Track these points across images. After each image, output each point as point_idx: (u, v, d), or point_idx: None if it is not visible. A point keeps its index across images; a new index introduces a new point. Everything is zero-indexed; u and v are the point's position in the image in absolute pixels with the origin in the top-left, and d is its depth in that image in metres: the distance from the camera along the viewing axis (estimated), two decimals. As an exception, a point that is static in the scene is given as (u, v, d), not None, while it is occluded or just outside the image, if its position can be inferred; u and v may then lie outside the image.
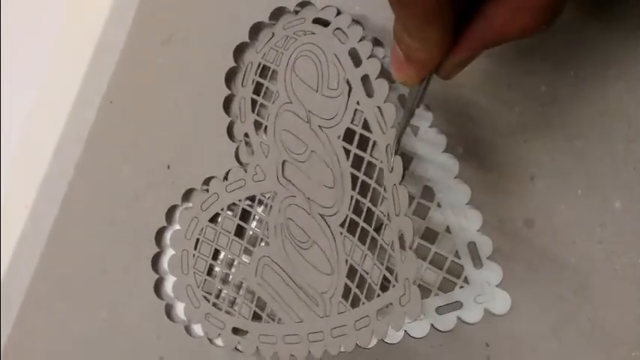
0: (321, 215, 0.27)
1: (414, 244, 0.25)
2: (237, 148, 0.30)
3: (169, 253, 0.31)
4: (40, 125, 0.33)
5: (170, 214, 0.31)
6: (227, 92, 0.30)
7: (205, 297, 0.30)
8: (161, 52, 0.31)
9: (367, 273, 0.25)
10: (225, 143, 0.30)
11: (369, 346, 0.27)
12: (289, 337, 0.28)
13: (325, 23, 0.27)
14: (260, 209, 0.29)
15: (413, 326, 0.27)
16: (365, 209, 0.26)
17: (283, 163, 0.28)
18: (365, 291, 0.26)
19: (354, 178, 0.26)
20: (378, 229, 0.25)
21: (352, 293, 0.26)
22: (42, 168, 0.32)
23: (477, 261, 0.27)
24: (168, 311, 0.31)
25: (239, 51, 0.30)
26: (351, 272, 0.26)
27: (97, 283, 0.32)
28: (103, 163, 0.32)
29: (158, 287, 0.31)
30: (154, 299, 0.31)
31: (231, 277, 0.30)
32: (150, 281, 0.31)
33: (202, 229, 0.30)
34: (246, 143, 0.30)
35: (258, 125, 0.29)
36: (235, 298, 0.30)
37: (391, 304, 0.24)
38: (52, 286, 0.32)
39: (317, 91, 0.27)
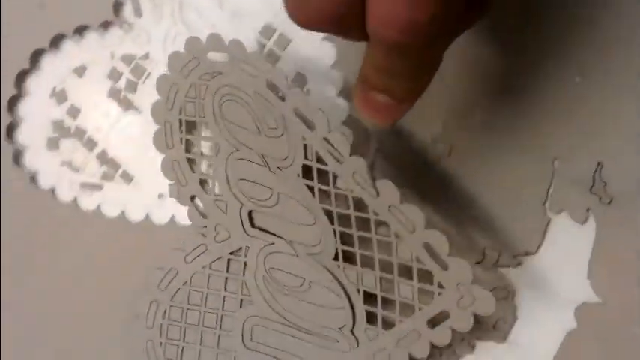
0: (310, 254, 0.26)
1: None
2: (189, 211, 0.27)
3: (28, 99, 0.30)
4: None
5: (35, 58, 0.29)
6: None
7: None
8: None
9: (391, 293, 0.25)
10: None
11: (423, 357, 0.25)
12: None
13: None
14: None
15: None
16: (356, 238, 0.25)
17: (250, 213, 0.26)
18: (397, 310, 0.24)
19: (328, 212, 0.25)
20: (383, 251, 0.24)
21: (380, 317, 0.25)
22: None
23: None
24: (16, 157, 0.30)
25: None
26: (369, 298, 0.25)
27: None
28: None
29: (10, 131, 0.30)
30: (3, 143, 0.30)
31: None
32: (3, 124, 0.30)
33: (165, 312, 0.27)
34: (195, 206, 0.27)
35: (203, 183, 0.27)
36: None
37: (445, 310, 0.24)
38: None
39: (260, 133, 0.25)
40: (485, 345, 0.26)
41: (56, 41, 0.29)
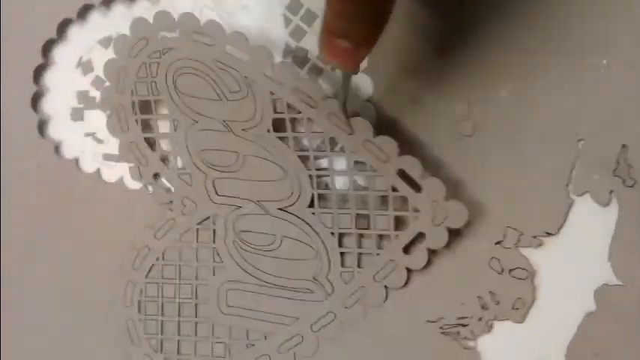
0: (282, 209, 0.26)
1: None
2: (152, 193, 0.28)
3: (54, 69, 0.30)
4: None
5: (62, 28, 0.30)
6: None
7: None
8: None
9: (367, 229, 0.26)
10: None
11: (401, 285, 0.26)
12: (285, 345, 0.27)
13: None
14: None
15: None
16: (333, 179, 0.26)
17: (213, 181, 0.27)
18: (374, 244, 0.26)
19: (304, 159, 0.26)
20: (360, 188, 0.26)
21: (356, 255, 0.26)
22: None
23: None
24: (41, 126, 0.30)
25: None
26: (344, 240, 0.26)
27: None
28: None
29: (35, 100, 0.30)
30: (28, 112, 0.30)
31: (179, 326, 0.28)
32: (28, 93, 0.30)
33: (142, 291, 0.28)
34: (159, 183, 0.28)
35: (164, 160, 0.28)
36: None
37: (421, 233, 0.25)
38: None
39: (221, 99, 0.26)
40: (503, 325, 0.26)
41: (83, 12, 0.29)
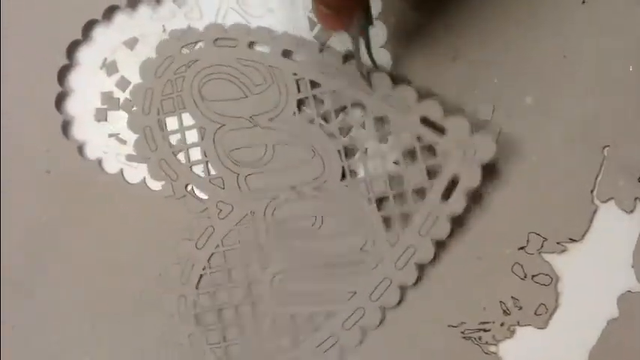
0: (315, 188, 0.27)
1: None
2: (186, 205, 0.28)
3: (79, 69, 0.30)
4: None
5: (87, 29, 0.30)
6: None
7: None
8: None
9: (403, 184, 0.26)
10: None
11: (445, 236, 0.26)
12: (349, 320, 0.27)
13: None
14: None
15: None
16: (361, 145, 0.26)
17: (245, 178, 0.27)
18: (410, 200, 0.26)
19: (330, 134, 0.27)
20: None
21: (398, 216, 0.26)
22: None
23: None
24: (65, 127, 0.30)
25: None
26: (381, 204, 0.26)
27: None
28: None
29: (59, 101, 0.30)
30: (52, 112, 0.30)
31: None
32: (52, 93, 0.30)
33: (195, 303, 0.28)
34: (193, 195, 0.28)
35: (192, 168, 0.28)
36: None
37: (455, 174, 0.25)
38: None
39: (247, 96, 0.27)
40: (525, 330, 0.26)
41: (109, 13, 0.30)
